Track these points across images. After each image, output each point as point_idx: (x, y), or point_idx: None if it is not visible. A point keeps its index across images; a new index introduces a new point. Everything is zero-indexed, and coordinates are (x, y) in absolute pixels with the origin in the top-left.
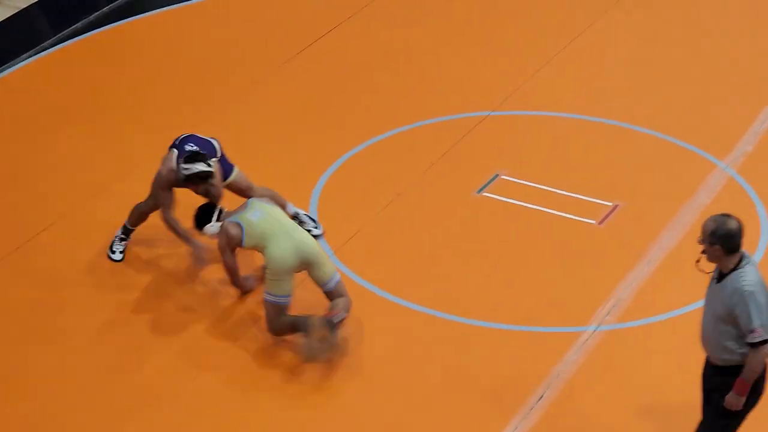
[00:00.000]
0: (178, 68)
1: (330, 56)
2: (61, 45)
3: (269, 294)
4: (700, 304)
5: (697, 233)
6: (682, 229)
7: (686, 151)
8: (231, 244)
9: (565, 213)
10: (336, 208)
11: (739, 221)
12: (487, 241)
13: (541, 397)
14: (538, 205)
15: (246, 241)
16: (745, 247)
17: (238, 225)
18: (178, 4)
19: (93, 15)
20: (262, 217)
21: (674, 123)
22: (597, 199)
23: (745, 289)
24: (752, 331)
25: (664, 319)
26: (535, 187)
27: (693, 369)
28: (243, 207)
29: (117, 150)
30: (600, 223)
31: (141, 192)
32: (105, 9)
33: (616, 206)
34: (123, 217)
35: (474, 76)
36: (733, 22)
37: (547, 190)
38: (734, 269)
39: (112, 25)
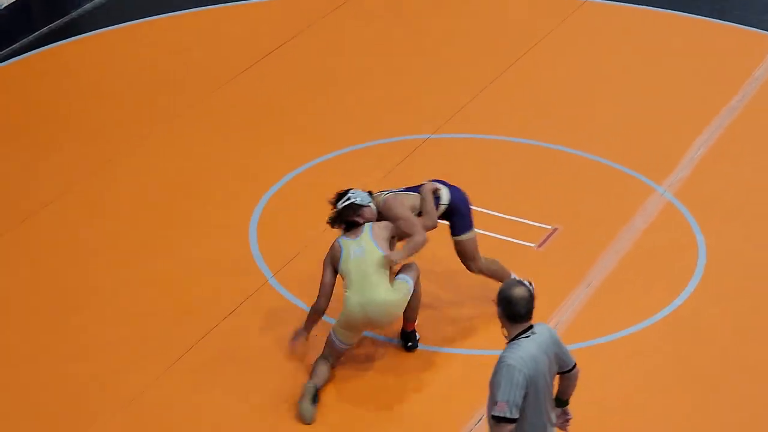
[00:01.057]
0: (115, 89)
1: (272, 77)
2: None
3: (334, 332)
4: (639, 327)
5: (636, 256)
6: (620, 253)
7: (625, 175)
8: (332, 263)
9: (505, 236)
10: (276, 230)
11: (528, 291)
12: (428, 264)
13: (480, 420)
14: (478, 229)
15: (341, 269)
16: (683, 272)
17: (341, 248)
18: (118, 25)
19: (32, 36)
20: (357, 257)
21: (613, 147)
22: (536, 222)
23: (506, 362)
24: (496, 403)
25: (603, 342)
26: (475, 210)
27: (630, 392)
28: (360, 232)
29: (55, 167)
30: (539, 246)
31: (78, 213)
32: (44, 30)
33: (556, 229)
34: (64, 236)
35: (415, 99)
36: (672, 47)
37: (487, 213)
38: (513, 339)
39: (50, 45)
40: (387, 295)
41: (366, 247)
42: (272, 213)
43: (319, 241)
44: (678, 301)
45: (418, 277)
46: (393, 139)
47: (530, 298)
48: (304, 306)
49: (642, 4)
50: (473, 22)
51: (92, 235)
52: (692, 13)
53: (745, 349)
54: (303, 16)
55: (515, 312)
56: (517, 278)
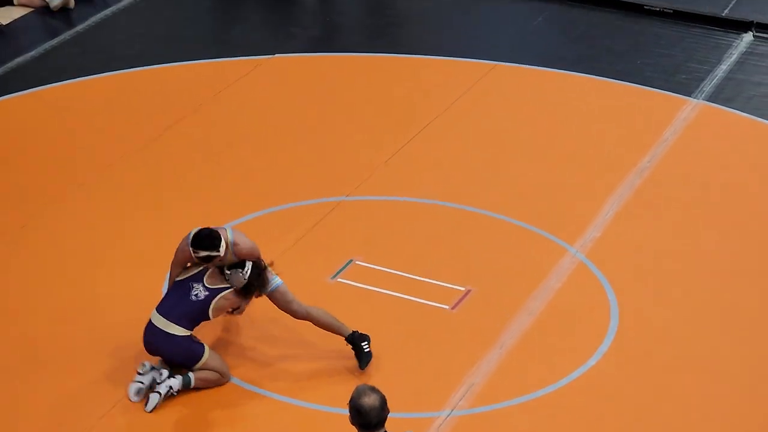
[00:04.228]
0: (25, 155)
1: (183, 141)
2: None
3: None
4: (553, 387)
5: (549, 318)
6: (534, 314)
7: (537, 236)
8: None
9: (419, 298)
10: None
11: (379, 399)
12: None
13: None
14: (392, 291)
15: None
16: (596, 332)
17: None
18: (28, 90)
19: None
20: None
21: (526, 208)
22: (450, 284)
23: None
24: None
25: (517, 403)
26: (389, 272)
27: None
28: None
29: None
30: (453, 308)
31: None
32: None
33: (469, 291)
34: None
35: (328, 161)
36: (582, 109)
37: (400, 275)
38: None
39: None
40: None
41: None
42: None
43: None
44: (591, 361)
45: None
46: (306, 202)
47: (381, 406)
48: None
49: (551, 67)
50: (387, 85)
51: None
52: (600, 76)
53: (659, 408)
54: (215, 80)
55: (366, 421)
56: (369, 386)
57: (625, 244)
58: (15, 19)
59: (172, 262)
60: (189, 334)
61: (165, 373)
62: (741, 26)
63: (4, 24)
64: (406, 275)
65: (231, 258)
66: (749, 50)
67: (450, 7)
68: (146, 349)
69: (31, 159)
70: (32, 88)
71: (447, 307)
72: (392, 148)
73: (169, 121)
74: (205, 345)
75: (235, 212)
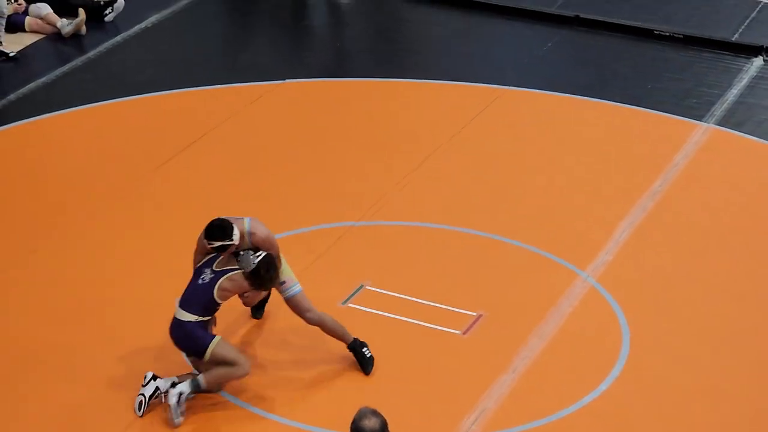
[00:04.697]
0: (37, 180)
1: (195, 166)
2: None
3: None
4: (565, 413)
5: (560, 342)
6: (545, 339)
7: (548, 261)
8: None
9: (430, 323)
10: None
11: (379, 423)
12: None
13: None
14: (403, 316)
15: None
16: (608, 358)
17: None
18: (38, 117)
19: None
20: None
21: (536, 233)
22: (461, 309)
23: None
24: None
25: (529, 428)
26: (399, 297)
27: None
28: None
29: None
30: (464, 333)
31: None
32: None
33: (480, 316)
34: None
35: (338, 186)
36: (591, 133)
37: (411, 300)
38: None
39: None
40: None
41: None
42: None
43: (247, 324)
44: (603, 386)
45: None
46: (317, 227)
47: (381, 430)
48: (230, 397)
49: (561, 92)
50: (397, 110)
51: (8, 328)
52: (610, 100)
53: None
54: (225, 106)
55: None
56: (370, 409)
57: (637, 268)
58: (27, 46)
59: (194, 251)
60: (198, 320)
61: (172, 380)
62: (751, 51)
63: (15, 51)
64: (417, 300)
65: (247, 245)
66: (760, 74)
67: (459, 32)
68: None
69: (43, 184)
70: (44, 114)
71: (458, 332)
72: (402, 173)
73: (179, 147)
74: (216, 335)
75: None
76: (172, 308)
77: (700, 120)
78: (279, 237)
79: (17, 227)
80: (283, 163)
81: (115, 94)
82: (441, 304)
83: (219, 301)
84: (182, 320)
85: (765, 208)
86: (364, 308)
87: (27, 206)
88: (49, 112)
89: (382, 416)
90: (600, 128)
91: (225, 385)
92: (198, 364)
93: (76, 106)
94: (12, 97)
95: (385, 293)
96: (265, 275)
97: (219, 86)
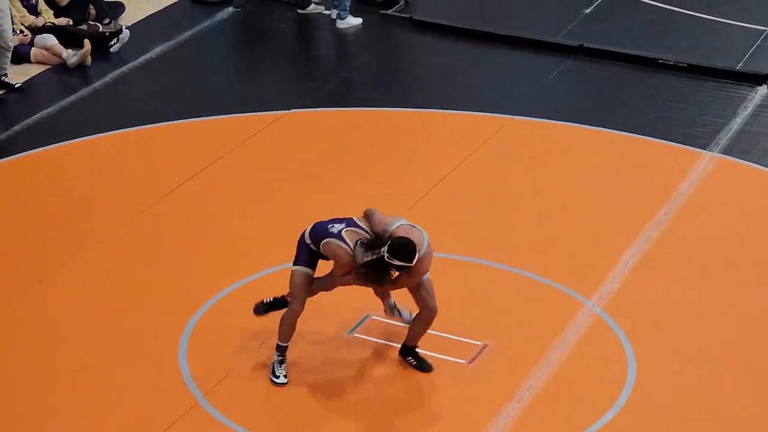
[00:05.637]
0: (44, 210)
1: (202, 195)
2: None
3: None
4: None
5: (566, 371)
6: (551, 368)
7: (554, 290)
8: None
9: (436, 353)
10: (207, 349)
11: None
12: (359, 383)
13: None
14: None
15: None
16: (613, 386)
17: None
18: (44, 147)
19: None
20: None
21: (541, 262)
22: (467, 338)
23: None
24: None
25: None
26: (405, 326)
27: None
28: None
29: None
30: (470, 362)
31: (4, 335)
32: None
33: (486, 345)
34: None
35: (345, 215)
36: (596, 162)
37: None
38: None
39: None
40: None
41: None
42: (203, 333)
43: (252, 360)
44: (609, 415)
45: None
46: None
47: None
48: (238, 428)
49: (566, 121)
50: (402, 140)
51: (18, 357)
52: (615, 129)
53: None
54: (231, 136)
55: None
56: None
57: (643, 297)
58: (32, 77)
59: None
60: (308, 243)
61: None
62: (755, 79)
63: (21, 82)
64: None
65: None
66: (764, 103)
67: (464, 61)
68: None
69: (49, 215)
70: (50, 144)
71: (464, 361)
72: (407, 202)
73: (185, 176)
74: (306, 268)
75: (253, 267)
76: (178, 334)
77: (704, 149)
78: (284, 267)
79: (24, 257)
80: (289, 192)
81: (121, 124)
82: (447, 333)
83: (321, 250)
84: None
85: None
86: (369, 338)
87: (34, 236)
88: (54, 143)
89: None
90: (605, 157)
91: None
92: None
93: (82, 136)
94: (17, 128)
95: (390, 323)
96: (373, 273)
97: (225, 116)
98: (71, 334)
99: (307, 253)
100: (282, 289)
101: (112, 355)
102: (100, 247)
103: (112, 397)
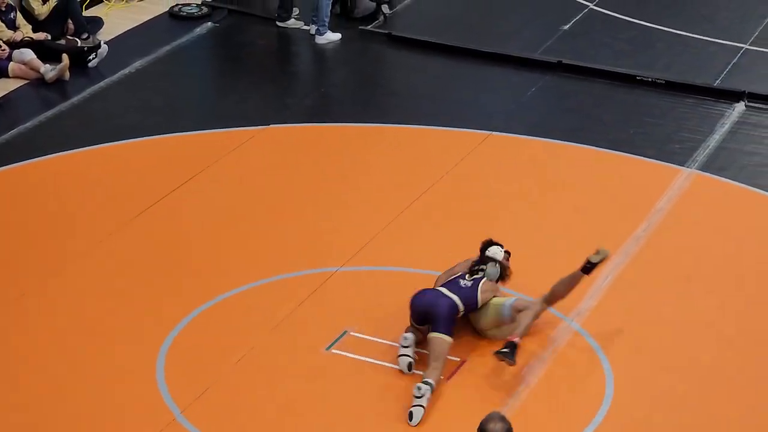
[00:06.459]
0: (25, 225)
1: (179, 212)
2: None
3: None
4: None
5: (545, 387)
6: (529, 384)
7: None
8: None
9: (414, 369)
10: (185, 365)
11: (503, 429)
12: (335, 399)
13: None
14: (386, 362)
15: None
16: (591, 403)
17: None
18: (23, 162)
19: None
20: None
21: (519, 278)
22: None
23: None
24: None
25: None
26: (383, 343)
27: None
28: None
29: None
30: (447, 379)
31: None
32: None
33: (463, 362)
34: None
35: (323, 231)
36: (574, 178)
37: (395, 346)
38: None
39: None
40: None
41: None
42: (180, 349)
43: (230, 375)
44: (588, 430)
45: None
46: (301, 272)
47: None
48: None
49: (544, 137)
50: (380, 156)
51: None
52: (593, 146)
53: None
54: (209, 151)
55: None
56: (500, 414)
57: (621, 313)
58: (10, 91)
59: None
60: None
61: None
62: (733, 96)
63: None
64: (400, 346)
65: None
66: (741, 120)
67: (443, 77)
68: (415, 310)
69: (28, 229)
70: (28, 159)
71: (441, 377)
72: (386, 218)
73: (164, 192)
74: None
75: (230, 283)
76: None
77: (682, 165)
78: (263, 283)
79: (4, 271)
80: (267, 208)
81: (99, 139)
82: (424, 349)
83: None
84: (447, 296)
85: (748, 252)
86: (347, 354)
87: (11, 252)
88: (32, 158)
89: (509, 424)
90: (583, 173)
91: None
92: (417, 335)
93: (60, 151)
94: None
95: (368, 339)
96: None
97: (203, 132)
98: (48, 351)
99: None
100: (260, 304)
101: (90, 371)
102: (78, 263)
103: (89, 414)
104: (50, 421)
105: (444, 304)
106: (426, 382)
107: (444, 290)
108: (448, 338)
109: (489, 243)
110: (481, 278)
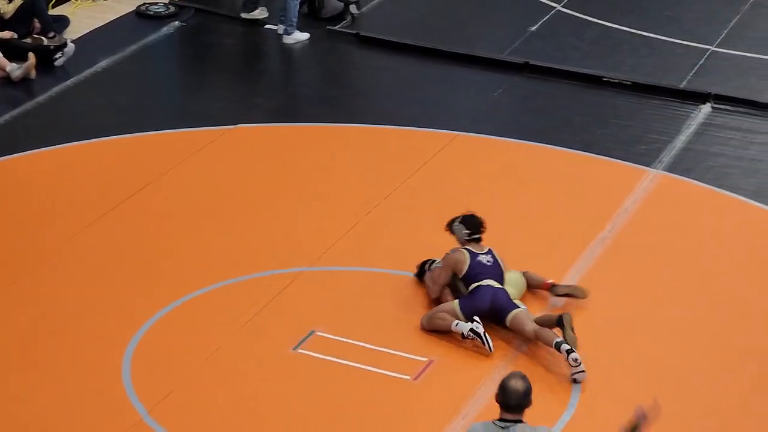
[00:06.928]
0: None
1: (147, 211)
2: None
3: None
4: None
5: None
6: (496, 384)
7: None
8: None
9: (380, 369)
10: (151, 367)
11: (524, 386)
12: (303, 399)
13: None
14: (353, 362)
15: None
16: (558, 402)
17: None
18: None
19: None
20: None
21: None
22: (412, 354)
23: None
24: None
25: None
26: (350, 343)
27: None
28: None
29: None
30: (415, 378)
31: None
32: None
33: (431, 362)
34: None
35: (289, 231)
36: (541, 178)
37: (362, 346)
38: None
39: None
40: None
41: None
42: (147, 348)
43: (196, 375)
44: (556, 429)
45: None
46: (267, 272)
47: (524, 393)
48: None
49: (511, 138)
50: (348, 156)
51: None
52: (560, 146)
53: None
54: (176, 151)
55: (505, 401)
56: (521, 373)
57: (587, 312)
58: None
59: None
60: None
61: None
62: (699, 98)
63: None
64: (368, 346)
65: None
66: (707, 121)
67: (411, 78)
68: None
69: None
70: None
71: (409, 377)
72: (353, 218)
73: (130, 192)
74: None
75: (196, 283)
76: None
77: (648, 166)
78: (229, 283)
79: None
80: (234, 207)
81: (65, 138)
82: (392, 349)
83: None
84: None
85: (713, 252)
86: (314, 354)
87: None
88: None
89: (529, 383)
90: (550, 174)
91: None
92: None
93: (25, 150)
94: None
95: (335, 339)
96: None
97: (170, 131)
98: (13, 350)
99: None
100: (227, 304)
101: (55, 371)
102: (44, 263)
103: (55, 415)
104: (15, 421)
105: (504, 294)
106: (567, 348)
107: (494, 283)
108: (522, 306)
109: (449, 224)
110: (489, 249)
